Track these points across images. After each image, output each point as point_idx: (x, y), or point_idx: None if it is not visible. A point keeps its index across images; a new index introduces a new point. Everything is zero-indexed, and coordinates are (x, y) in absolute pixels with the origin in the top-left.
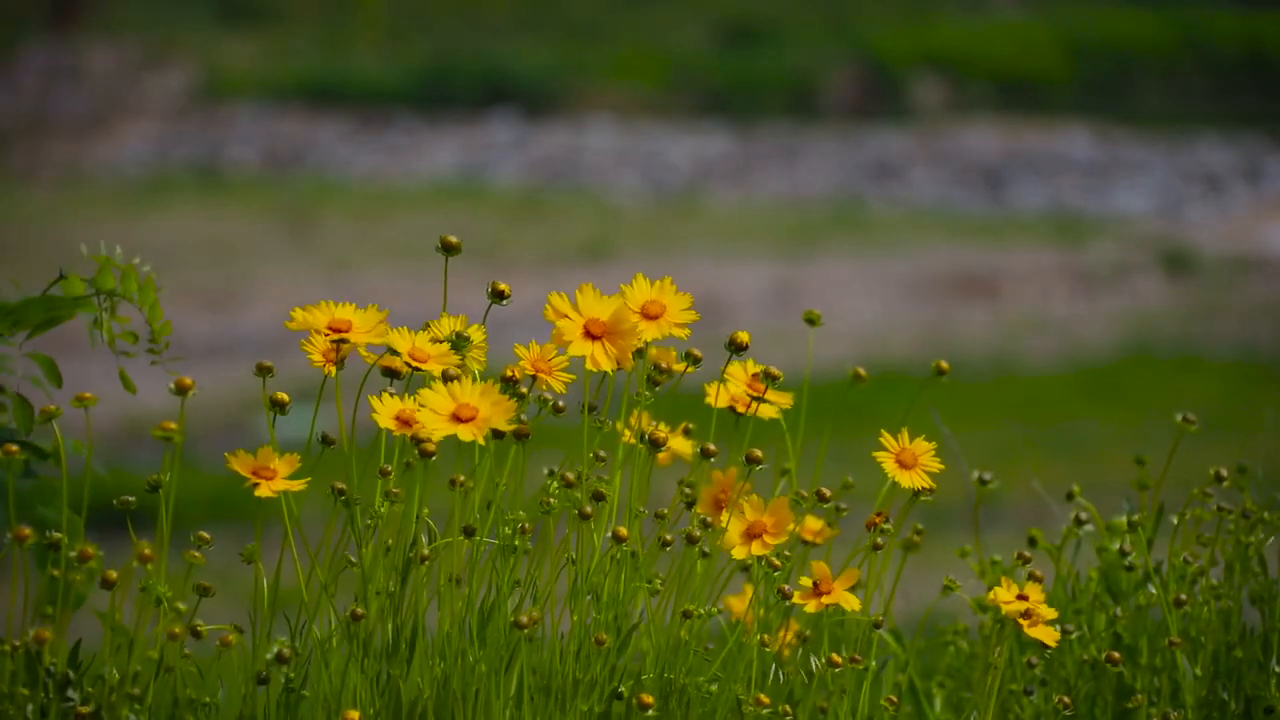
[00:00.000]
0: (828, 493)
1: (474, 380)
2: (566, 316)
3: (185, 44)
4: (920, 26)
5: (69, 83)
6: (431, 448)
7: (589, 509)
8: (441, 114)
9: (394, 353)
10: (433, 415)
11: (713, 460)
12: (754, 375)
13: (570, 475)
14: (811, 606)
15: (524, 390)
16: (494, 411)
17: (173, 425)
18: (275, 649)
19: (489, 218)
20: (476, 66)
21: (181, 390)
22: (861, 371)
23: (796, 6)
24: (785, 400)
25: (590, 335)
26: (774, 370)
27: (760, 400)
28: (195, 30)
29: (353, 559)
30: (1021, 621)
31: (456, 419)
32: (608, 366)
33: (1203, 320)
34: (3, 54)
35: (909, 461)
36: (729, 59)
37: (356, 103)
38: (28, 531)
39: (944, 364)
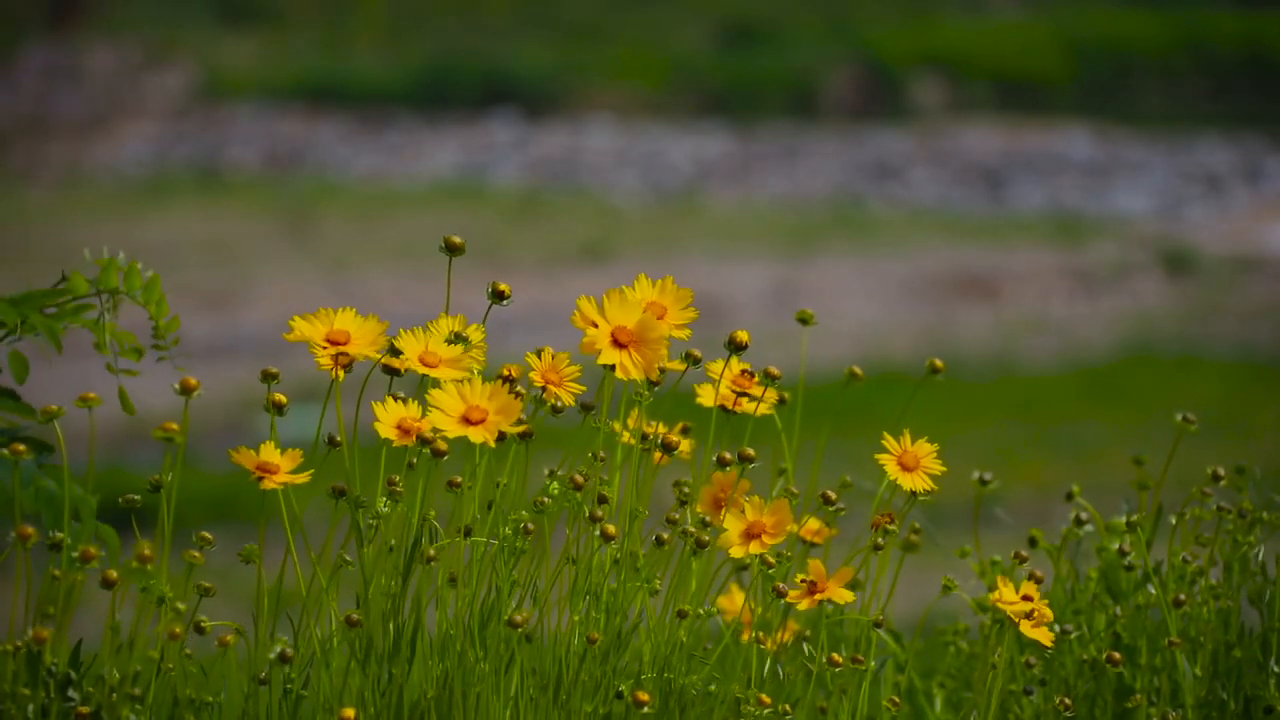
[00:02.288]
0: (834, 495)
1: (481, 381)
2: (595, 324)
3: (185, 44)
4: (920, 26)
5: (69, 83)
6: (443, 447)
7: (599, 512)
8: (441, 114)
9: (395, 353)
10: (444, 417)
11: (734, 465)
12: (742, 372)
13: (579, 478)
14: (804, 604)
15: (521, 389)
16: (501, 414)
17: (174, 425)
18: (278, 648)
19: (489, 218)
20: (476, 66)
21: (186, 390)
22: (857, 370)
23: (796, 6)
24: (772, 396)
25: (618, 343)
26: (773, 369)
27: (747, 396)
28: (195, 30)
29: (349, 558)
30: (1022, 622)
31: (467, 421)
32: (637, 375)
33: (1203, 320)
34: (3, 54)
35: (911, 464)
36: (729, 59)
37: (356, 103)
38: (30, 530)
39: (938, 362)
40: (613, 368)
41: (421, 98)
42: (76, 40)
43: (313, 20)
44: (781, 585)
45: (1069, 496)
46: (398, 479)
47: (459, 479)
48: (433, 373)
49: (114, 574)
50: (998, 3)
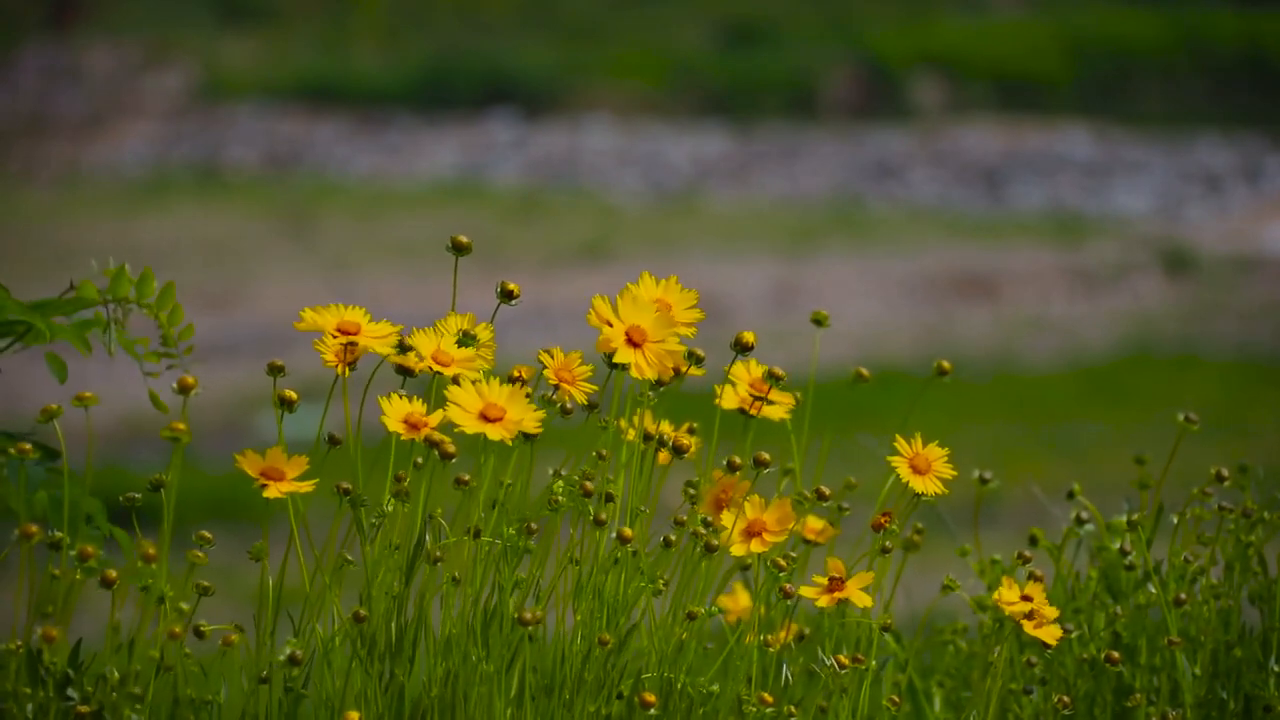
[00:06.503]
0: (828, 491)
1: (487, 380)
2: (609, 323)
3: (185, 44)
4: (920, 26)
5: (69, 83)
6: (451, 449)
7: (604, 515)
8: (441, 114)
9: (403, 351)
10: (461, 413)
11: (749, 470)
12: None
13: (589, 485)
14: (824, 601)
15: (529, 390)
16: (525, 415)
17: (181, 425)
18: (288, 651)
19: (489, 218)
20: (476, 66)
21: (184, 389)
22: (864, 371)
23: (796, 6)
24: (789, 400)
25: (632, 343)
26: (778, 370)
27: (765, 401)
28: (195, 30)
29: (350, 558)
30: (1024, 622)
31: (485, 418)
32: (650, 374)
33: (1203, 320)
34: (3, 54)
35: (923, 467)
36: (729, 59)
37: (356, 103)
38: (34, 529)
39: (946, 364)
40: (626, 367)
41: (421, 98)
42: (76, 40)
43: (313, 20)
44: (789, 586)
45: (1070, 495)
46: (405, 475)
47: (466, 476)
48: (447, 371)
49: (113, 573)
50: (998, 3)
